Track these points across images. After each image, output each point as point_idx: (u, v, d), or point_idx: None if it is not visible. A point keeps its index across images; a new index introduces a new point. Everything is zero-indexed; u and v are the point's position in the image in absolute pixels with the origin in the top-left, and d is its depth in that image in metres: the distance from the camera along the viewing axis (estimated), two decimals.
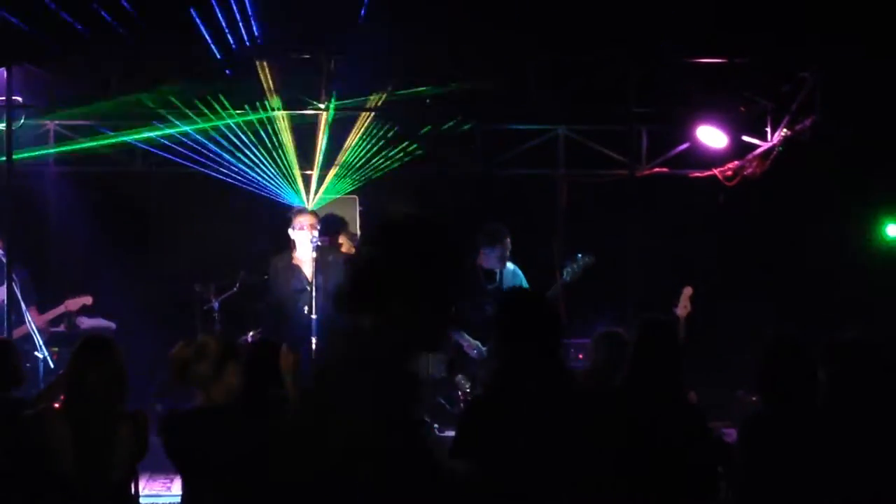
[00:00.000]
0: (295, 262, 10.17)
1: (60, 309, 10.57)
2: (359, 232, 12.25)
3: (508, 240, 10.16)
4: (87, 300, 10.67)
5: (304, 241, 10.06)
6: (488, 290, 10.18)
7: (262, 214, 12.49)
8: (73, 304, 10.62)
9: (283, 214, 11.62)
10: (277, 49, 10.45)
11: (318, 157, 11.82)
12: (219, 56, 10.24)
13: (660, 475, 5.58)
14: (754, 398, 9.79)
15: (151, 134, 11.55)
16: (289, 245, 10.34)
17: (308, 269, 10.01)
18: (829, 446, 5.60)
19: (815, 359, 5.78)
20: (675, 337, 6.03)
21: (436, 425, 9.82)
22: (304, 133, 11.80)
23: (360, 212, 12.26)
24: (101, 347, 6.05)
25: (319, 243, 10.05)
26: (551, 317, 5.22)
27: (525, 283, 10.29)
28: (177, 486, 8.16)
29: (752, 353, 6.00)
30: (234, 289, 11.57)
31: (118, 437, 5.86)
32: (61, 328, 10.98)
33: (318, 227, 10.17)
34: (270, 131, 11.61)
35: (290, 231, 10.24)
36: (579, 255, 10.11)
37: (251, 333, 11.28)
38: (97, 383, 5.89)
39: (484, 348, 9.86)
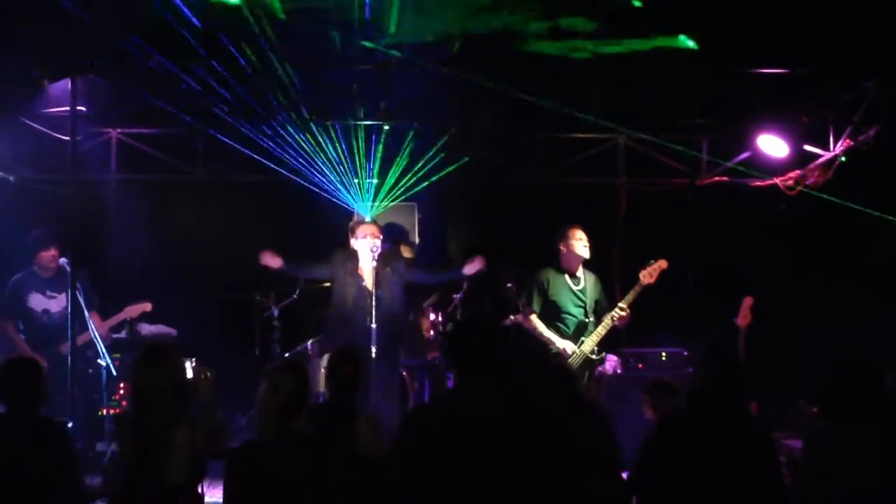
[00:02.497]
0: (359, 270, 10.18)
1: (121, 316, 10.65)
2: (417, 239, 12.26)
3: (572, 231, 10.20)
4: (147, 307, 10.74)
5: (365, 251, 10.09)
6: (575, 291, 10.20)
7: (323, 222, 12.53)
8: (133, 310, 10.69)
9: (344, 222, 11.68)
10: (339, 61, 10.47)
11: (377, 165, 11.82)
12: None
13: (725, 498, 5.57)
14: (814, 409, 9.77)
15: None
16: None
17: (369, 280, 10.04)
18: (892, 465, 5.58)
19: (881, 377, 5.77)
20: (736, 361, 5.96)
21: None
22: (364, 140, 11.80)
23: (418, 219, 12.27)
24: (157, 355, 6.28)
25: (380, 250, 10.10)
26: (500, 344, 5.62)
27: (602, 295, 10.32)
28: None
29: (815, 371, 5.97)
30: (294, 297, 11.65)
31: (175, 441, 5.96)
32: (123, 335, 11.09)
33: (380, 237, 10.20)
34: (333, 138, 11.63)
35: (352, 241, 10.29)
36: (651, 260, 10.13)
37: (311, 341, 11.35)
38: (153, 390, 6.13)
39: (575, 347, 9.99)
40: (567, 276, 10.25)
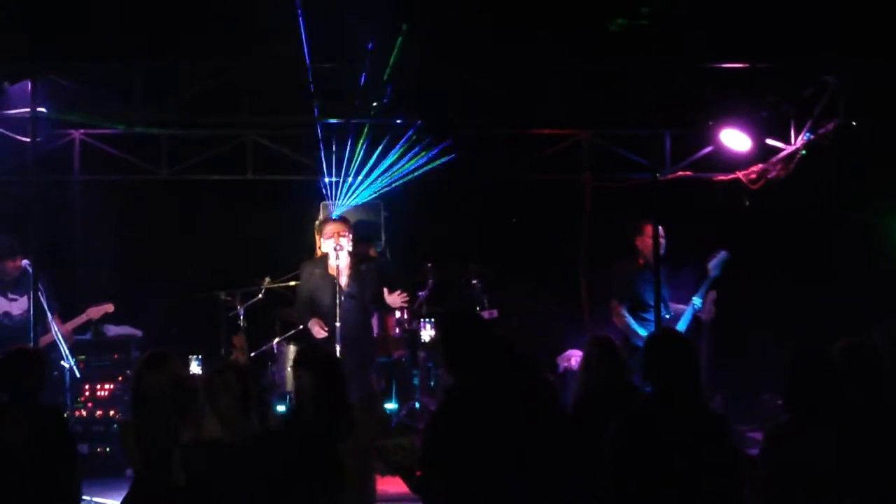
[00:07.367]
0: (330, 271, 10.05)
1: (83, 318, 10.58)
2: (384, 237, 12.24)
3: (645, 227, 10.07)
4: (109, 308, 10.68)
5: (331, 252, 9.96)
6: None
7: (288, 222, 12.51)
8: (96, 311, 10.63)
9: (311, 220, 11.67)
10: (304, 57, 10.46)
11: (344, 164, 11.78)
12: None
13: (682, 491, 5.61)
14: (780, 401, 9.81)
15: None
16: (314, 253, 10.39)
17: (342, 279, 9.92)
18: (853, 457, 5.62)
19: (841, 370, 5.81)
20: (688, 349, 5.98)
21: None
22: (330, 139, 11.76)
23: (384, 217, 12.25)
24: (158, 360, 6.44)
25: (350, 249, 10.00)
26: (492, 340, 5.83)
27: None
28: None
29: (780, 365, 6.01)
30: (259, 296, 11.64)
31: (178, 442, 6.06)
32: (88, 336, 11.04)
33: (346, 234, 10.04)
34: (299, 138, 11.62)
35: (320, 241, 10.26)
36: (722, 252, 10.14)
37: (276, 340, 11.36)
38: (155, 395, 6.29)
39: None
40: (645, 270, 10.13)
